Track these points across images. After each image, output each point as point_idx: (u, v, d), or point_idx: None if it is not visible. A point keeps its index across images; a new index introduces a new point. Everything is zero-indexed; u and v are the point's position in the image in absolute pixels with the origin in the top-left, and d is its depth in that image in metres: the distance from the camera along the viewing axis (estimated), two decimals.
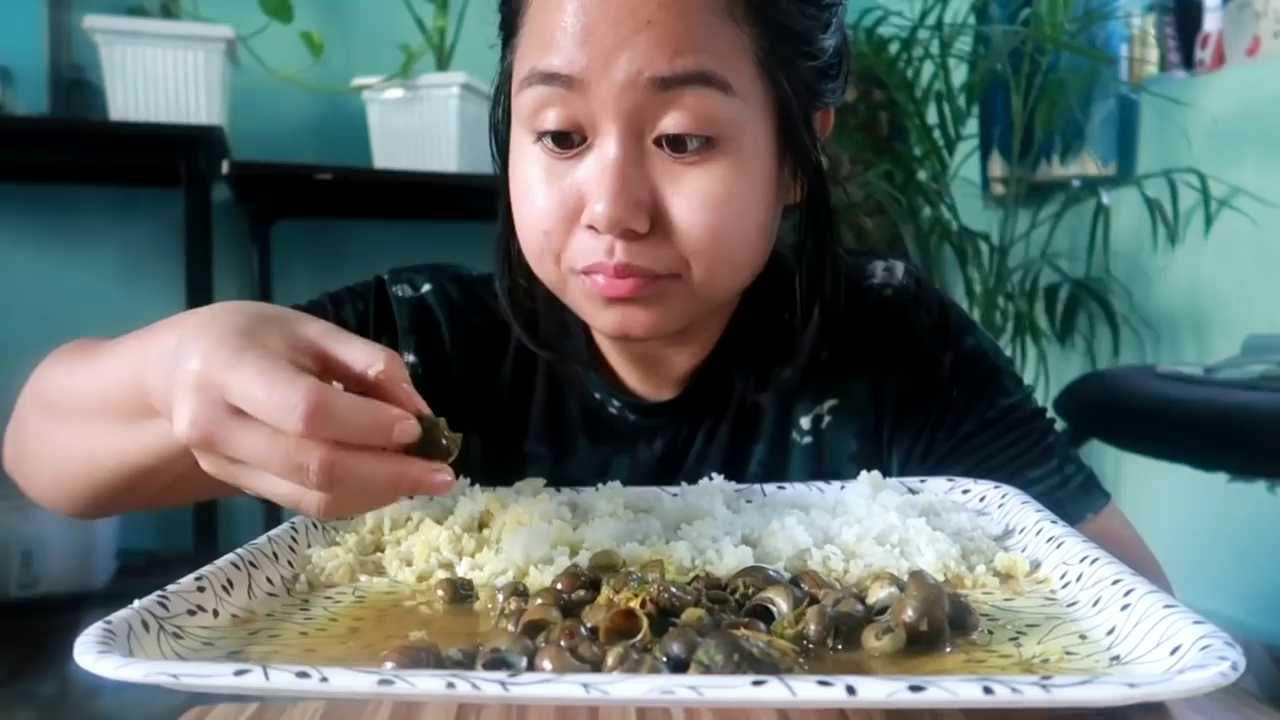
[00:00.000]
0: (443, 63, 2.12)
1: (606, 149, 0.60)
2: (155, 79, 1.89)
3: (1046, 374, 2.28)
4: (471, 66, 2.09)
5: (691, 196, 0.60)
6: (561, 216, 0.62)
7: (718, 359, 0.73)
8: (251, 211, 2.16)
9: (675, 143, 0.60)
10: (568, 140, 0.61)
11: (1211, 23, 2.32)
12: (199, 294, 1.91)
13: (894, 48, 2.26)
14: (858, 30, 2.25)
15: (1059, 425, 0.76)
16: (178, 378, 0.45)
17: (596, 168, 0.60)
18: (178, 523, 2.04)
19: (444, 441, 0.47)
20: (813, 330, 0.69)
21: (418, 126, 2.08)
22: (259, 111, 2.18)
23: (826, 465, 0.73)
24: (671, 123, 0.59)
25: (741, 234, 0.63)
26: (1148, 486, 2.13)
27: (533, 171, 0.63)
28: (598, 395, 0.74)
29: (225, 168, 1.91)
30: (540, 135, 0.62)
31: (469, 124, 2.07)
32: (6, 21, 2.10)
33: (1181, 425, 1.57)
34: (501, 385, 0.75)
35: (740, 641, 0.36)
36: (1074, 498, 0.70)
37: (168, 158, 1.87)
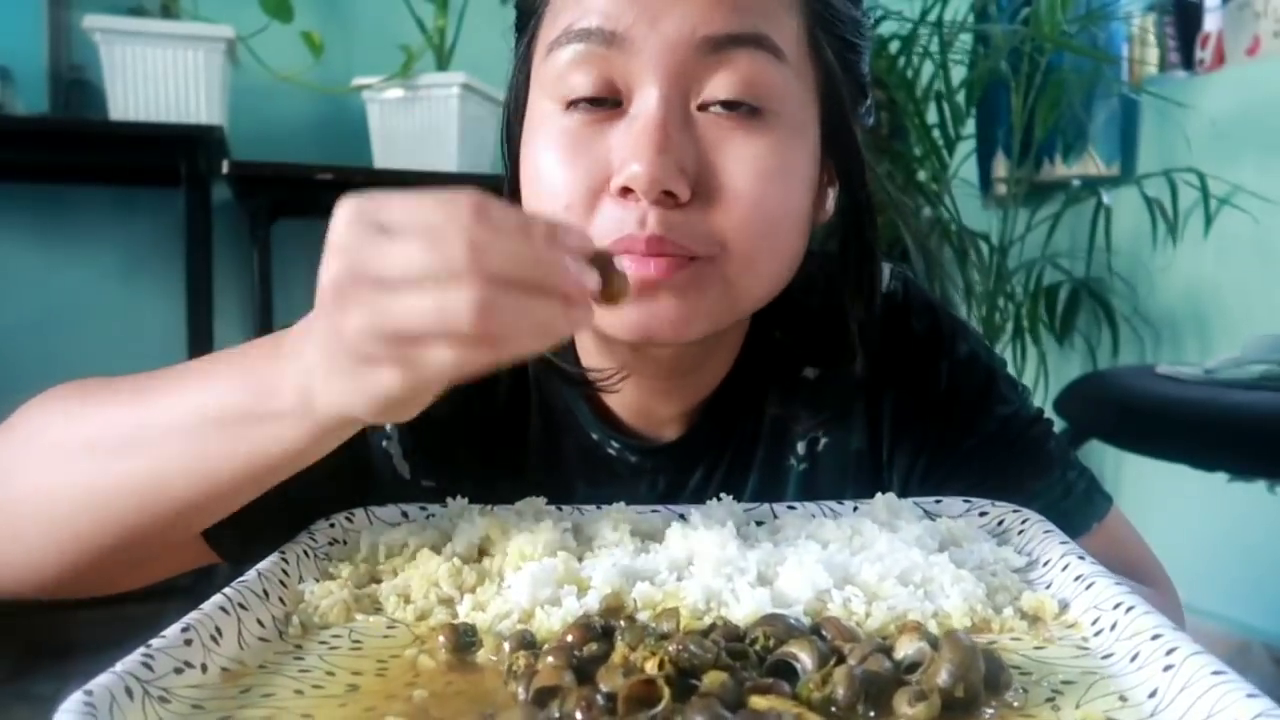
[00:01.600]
0: (443, 63, 2.11)
1: (646, 107, 0.56)
2: (155, 79, 1.89)
3: (1046, 374, 2.28)
4: (471, 66, 2.08)
5: (741, 162, 0.56)
6: (586, 188, 0.57)
7: (722, 396, 0.70)
8: (251, 211, 2.15)
9: (724, 105, 0.56)
10: (601, 101, 0.57)
11: (1211, 23, 2.33)
12: (199, 294, 1.90)
13: (894, 46, 2.26)
14: None
15: (1058, 427, 0.75)
16: (327, 248, 0.42)
17: (634, 128, 0.55)
18: None
19: (615, 282, 0.44)
20: (854, 340, 0.66)
21: (418, 126, 2.08)
22: (259, 111, 2.18)
23: (823, 491, 0.69)
24: (721, 85, 0.56)
25: (785, 217, 0.59)
26: (1148, 486, 2.13)
27: (554, 142, 0.58)
28: (595, 436, 0.70)
29: (225, 167, 1.91)
30: (570, 104, 0.57)
31: (469, 124, 2.07)
32: (6, 21, 2.10)
33: (1181, 425, 1.57)
34: (493, 425, 0.70)
35: None
36: (1079, 507, 0.69)
37: (168, 158, 1.87)
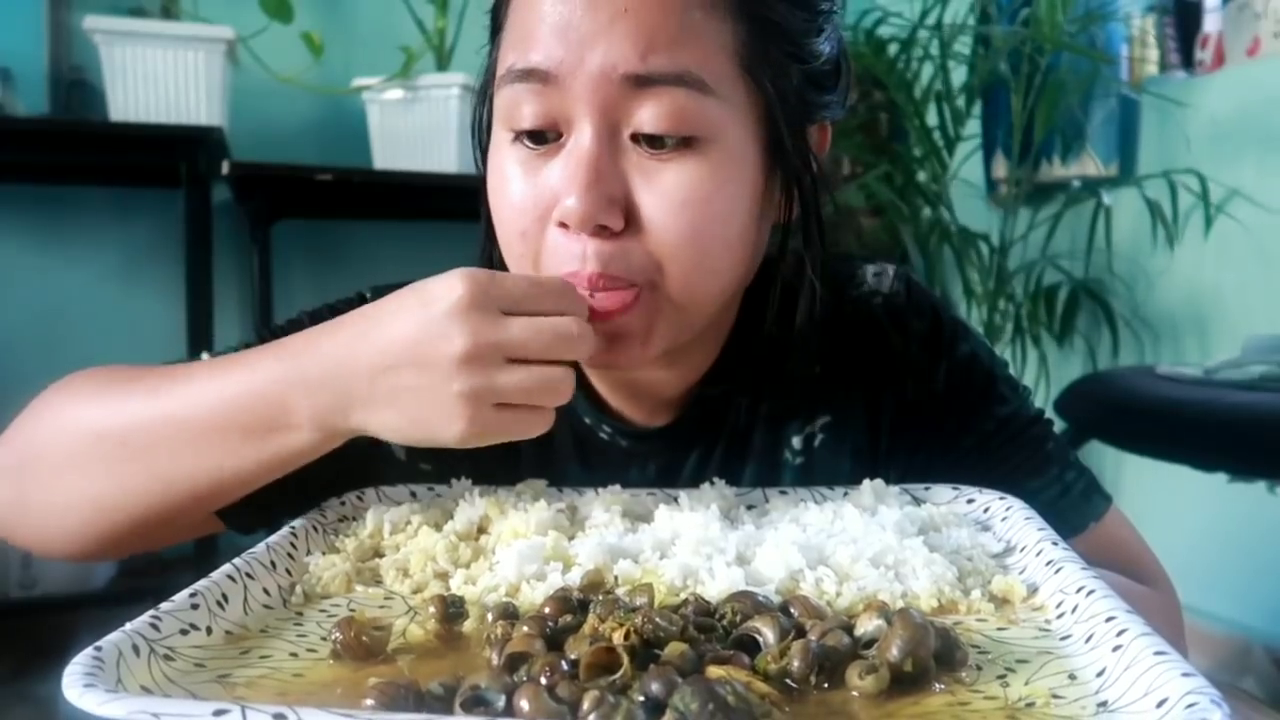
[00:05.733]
0: (443, 63, 2.12)
1: (580, 142, 0.58)
2: (155, 80, 1.89)
3: (1047, 375, 2.28)
4: (471, 67, 2.09)
5: (666, 195, 0.58)
6: (536, 216, 0.60)
7: (711, 381, 0.71)
8: (251, 212, 2.16)
9: (651, 140, 0.58)
10: (542, 137, 0.60)
11: (1211, 23, 2.32)
12: (199, 294, 1.91)
13: (893, 49, 2.26)
14: (857, 31, 2.25)
15: (1058, 427, 0.75)
16: (441, 367, 0.52)
17: (569, 162, 0.58)
18: None
19: None
20: (801, 345, 0.67)
21: (418, 127, 2.08)
22: (259, 112, 2.18)
23: (819, 486, 0.70)
24: (647, 119, 0.58)
25: (721, 239, 0.60)
26: (1148, 487, 2.13)
27: (509, 170, 0.61)
28: (587, 420, 0.72)
29: (225, 168, 1.91)
30: (517, 135, 0.60)
31: (469, 125, 2.07)
32: (6, 22, 2.10)
33: (1181, 426, 1.57)
34: None
35: (716, 687, 0.35)
36: (1075, 506, 0.70)
37: (168, 158, 1.87)
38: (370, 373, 0.54)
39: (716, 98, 0.58)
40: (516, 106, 0.60)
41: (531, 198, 0.60)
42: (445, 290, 0.53)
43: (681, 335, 0.63)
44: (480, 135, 0.69)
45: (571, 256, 0.59)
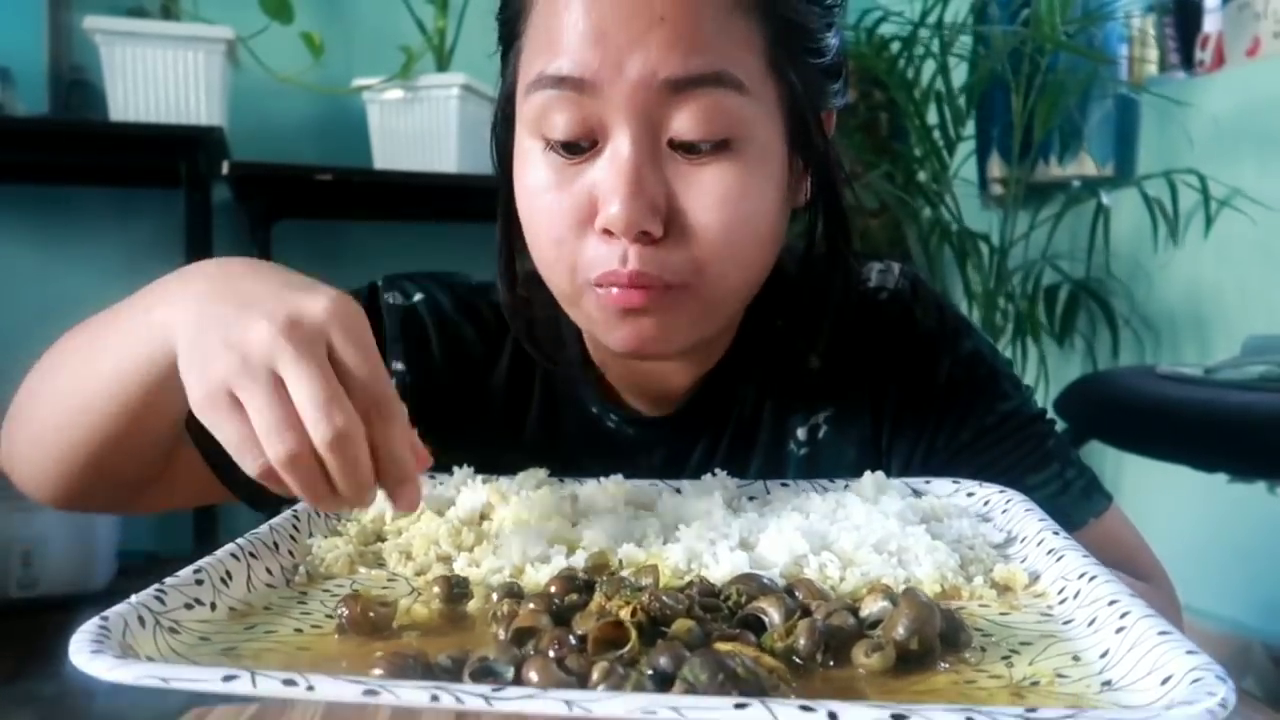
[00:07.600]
0: (443, 64, 2.12)
1: (620, 150, 0.58)
2: (155, 80, 1.90)
3: (1047, 375, 2.28)
4: (471, 67, 2.09)
5: (706, 196, 0.59)
6: (573, 222, 0.60)
7: (720, 372, 0.72)
8: (252, 212, 2.16)
9: (688, 146, 0.59)
10: (577, 147, 0.60)
11: (1211, 23, 2.32)
12: None
13: (894, 48, 2.26)
14: (858, 30, 2.25)
15: (1059, 426, 0.75)
16: (251, 317, 0.48)
17: (610, 169, 0.59)
18: (177, 524, 2.04)
19: None
20: (825, 335, 0.68)
21: (418, 127, 2.08)
22: (259, 112, 2.18)
23: (823, 477, 0.70)
24: (685, 124, 0.58)
25: (755, 235, 0.62)
26: (1148, 487, 2.13)
27: (541, 177, 0.61)
28: (595, 409, 0.73)
29: (225, 168, 1.91)
30: (549, 144, 0.60)
31: (469, 125, 2.07)
32: (6, 22, 2.11)
33: (1181, 426, 1.57)
34: (495, 398, 0.74)
35: (725, 659, 0.35)
36: (1075, 503, 0.70)
37: (168, 158, 1.87)
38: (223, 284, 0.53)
39: (749, 96, 0.59)
40: (548, 115, 0.60)
41: (568, 206, 0.60)
42: (338, 296, 0.50)
43: (706, 329, 0.65)
44: (498, 139, 0.69)
45: (611, 258, 0.59)
